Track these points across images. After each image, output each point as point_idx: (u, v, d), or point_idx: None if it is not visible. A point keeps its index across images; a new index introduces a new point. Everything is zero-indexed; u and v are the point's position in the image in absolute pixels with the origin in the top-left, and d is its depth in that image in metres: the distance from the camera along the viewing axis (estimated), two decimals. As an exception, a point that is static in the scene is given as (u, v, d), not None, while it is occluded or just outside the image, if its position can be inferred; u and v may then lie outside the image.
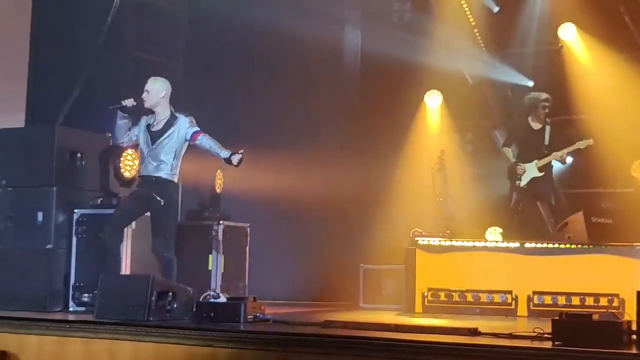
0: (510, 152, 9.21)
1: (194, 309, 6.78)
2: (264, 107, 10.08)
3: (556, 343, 5.26)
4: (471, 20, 10.24)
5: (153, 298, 6.61)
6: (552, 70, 9.99)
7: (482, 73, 10.32)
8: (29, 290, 7.39)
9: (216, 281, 8.72)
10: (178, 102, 10.35)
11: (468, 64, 10.28)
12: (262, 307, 6.83)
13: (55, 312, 6.98)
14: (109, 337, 6.15)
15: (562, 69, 9.95)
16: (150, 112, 7.34)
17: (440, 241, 8.56)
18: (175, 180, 7.34)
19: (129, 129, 7.32)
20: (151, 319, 6.51)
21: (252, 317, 6.62)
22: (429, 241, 8.56)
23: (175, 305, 6.78)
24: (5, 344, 6.30)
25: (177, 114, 7.40)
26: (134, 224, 7.70)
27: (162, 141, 7.25)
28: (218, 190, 9.39)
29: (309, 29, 9.43)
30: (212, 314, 6.60)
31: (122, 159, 8.08)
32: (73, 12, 9.24)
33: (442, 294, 8.37)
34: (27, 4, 8.73)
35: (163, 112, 7.34)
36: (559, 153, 8.92)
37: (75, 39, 9.39)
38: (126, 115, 7.28)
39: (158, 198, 7.18)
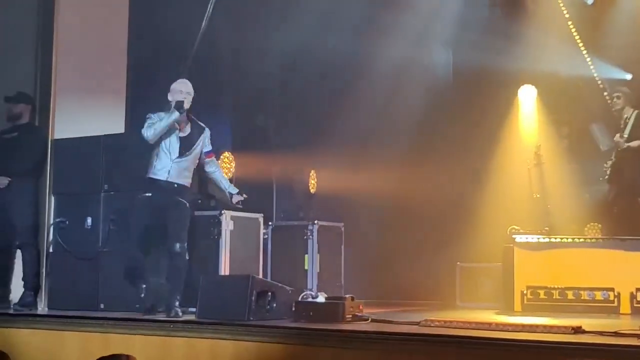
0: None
1: (293, 309, 6.82)
2: (359, 111, 10.09)
3: (665, 341, 5.13)
4: (565, 13, 10.04)
5: (253, 298, 6.69)
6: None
7: (578, 66, 10.10)
8: (132, 292, 7.55)
9: (313, 281, 8.79)
10: (272, 106, 10.55)
11: (563, 57, 10.08)
12: (360, 307, 6.85)
13: (158, 312, 7.11)
14: (211, 337, 6.24)
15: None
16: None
17: (538, 238, 8.42)
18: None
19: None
20: (251, 318, 6.59)
21: (350, 316, 6.64)
22: (526, 238, 8.43)
23: (275, 305, 6.85)
24: (110, 344, 6.45)
25: (201, 123, 7.39)
26: (232, 224, 7.81)
27: (192, 151, 7.30)
28: (312, 191, 9.48)
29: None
30: (311, 314, 6.64)
31: (220, 161, 8.22)
32: (167, 19, 9.41)
33: (542, 292, 8.23)
34: (124, 14, 8.94)
35: (184, 118, 7.30)
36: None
37: (171, 47, 9.58)
38: (180, 116, 7.21)
39: (183, 201, 7.22)
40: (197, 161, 7.39)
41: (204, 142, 7.38)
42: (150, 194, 7.23)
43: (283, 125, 10.68)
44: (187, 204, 7.28)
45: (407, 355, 5.52)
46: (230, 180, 8.33)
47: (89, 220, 7.96)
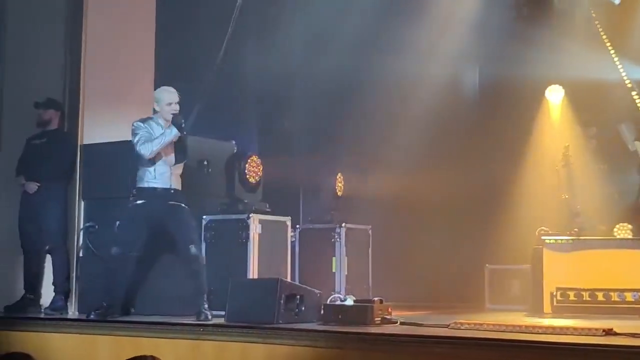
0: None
1: (322, 312, 6.83)
2: (385, 113, 10.09)
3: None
4: (592, 13, 9.97)
5: (281, 301, 6.69)
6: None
7: (605, 66, 10.03)
8: (163, 295, 7.60)
9: (340, 283, 8.79)
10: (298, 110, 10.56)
11: (590, 57, 10.01)
12: (389, 309, 6.83)
13: (188, 315, 7.15)
14: (241, 340, 6.26)
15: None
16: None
17: (567, 239, 8.37)
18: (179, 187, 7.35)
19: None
20: (280, 321, 6.60)
21: (379, 319, 6.62)
22: (555, 239, 8.38)
23: (303, 308, 6.85)
24: (140, 348, 6.48)
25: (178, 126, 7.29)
26: (260, 228, 7.84)
27: (186, 155, 7.29)
28: (339, 193, 9.47)
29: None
30: (339, 316, 6.62)
31: (247, 165, 8.24)
32: (194, 25, 9.48)
33: (571, 294, 8.18)
34: (152, 19, 9.01)
35: (166, 122, 7.29)
36: None
37: (197, 51, 9.64)
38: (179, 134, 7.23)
39: (181, 204, 7.23)
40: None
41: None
42: (143, 201, 7.23)
43: (309, 128, 10.69)
44: (185, 205, 7.28)
45: (437, 358, 5.50)
46: (258, 183, 8.38)
47: (118, 224, 7.99)
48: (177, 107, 7.25)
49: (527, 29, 9.90)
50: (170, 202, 7.22)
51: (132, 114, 7.42)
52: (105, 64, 8.40)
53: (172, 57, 9.39)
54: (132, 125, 7.23)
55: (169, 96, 7.27)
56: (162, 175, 7.21)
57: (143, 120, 7.27)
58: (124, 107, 7.40)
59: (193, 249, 7.18)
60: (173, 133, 7.17)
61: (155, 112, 7.35)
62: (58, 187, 8.02)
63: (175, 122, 7.18)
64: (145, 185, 7.25)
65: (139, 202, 7.25)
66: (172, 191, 7.24)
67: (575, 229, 8.53)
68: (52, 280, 8.00)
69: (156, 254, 7.65)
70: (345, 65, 10.19)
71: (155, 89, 7.68)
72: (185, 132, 7.25)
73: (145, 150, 7.13)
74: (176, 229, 7.24)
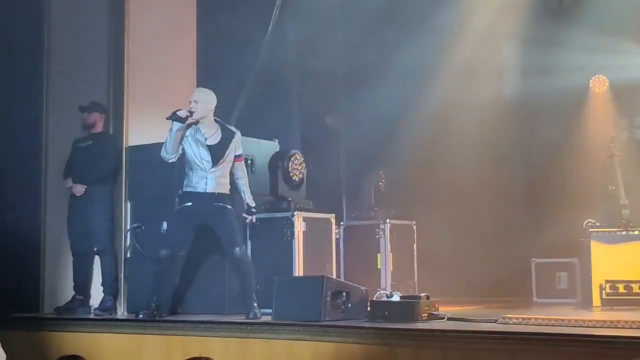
0: None
1: (369, 308, 6.82)
2: (427, 108, 10.05)
3: None
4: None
5: (328, 298, 6.70)
6: None
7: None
8: (211, 294, 7.66)
9: (386, 280, 8.78)
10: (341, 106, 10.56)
11: (634, 44, 9.86)
12: (436, 305, 6.81)
13: (236, 314, 7.19)
14: (288, 338, 6.30)
15: None
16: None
17: (615, 231, 8.26)
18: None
19: (181, 142, 7.22)
20: (327, 319, 6.61)
21: (426, 315, 6.61)
22: (603, 232, 8.27)
23: (350, 305, 6.85)
24: (189, 347, 6.54)
25: (230, 128, 7.36)
26: (304, 225, 7.86)
27: (225, 158, 7.26)
28: (382, 189, 9.46)
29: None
30: (386, 313, 6.62)
31: (290, 163, 8.27)
32: (235, 22, 9.51)
33: (621, 286, 8.05)
34: (193, 19, 9.06)
35: (212, 125, 7.28)
36: None
37: (238, 49, 9.67)
38: (182, 125, 7.17)
39: (226, 205, 7.24)
40: (231, 165, 7.37)
41: (236, 146, 7.34)
42: (190, 204, 7.25)
43: (352, 125, 10.68)
44: (229, 207, 7.31)
45: (487, 353, 5.48)
46: (301, 181, 8.40)
47: (165, 224, 8.05)
48: (195, 105, 7.20)
49: (569, 18, 9.77)
50: (215, 204, 7.24)
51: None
52: (148, 65, 8.49)
53: (213, 57, 9.43)
54: None
55: (210, 99, 7.33)
56: (201, 181, 7.23)
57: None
58: (167, 108, 7.44)
59: (237, 251, 7.22)
60: (174, 127, 7.16)
61: None
62: (104, 189, 8.12)
63: (173, 117, 7.15)
64: (188, 189, 7.30)
65: (184, 205, 7.29)
66: (216, 194, 7.26)
67: (623, 221, 8.40)
68: (100, 282, 8.09)
69: (203, 255, 7.72)
70: (388, 59, 10.16)
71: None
72: (183, 123, 7.16)
73: (162, 153, 7.25)
74: (220, 231, 7.28)
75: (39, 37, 8.70)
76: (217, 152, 7.25)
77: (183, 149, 7.26)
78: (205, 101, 7.30)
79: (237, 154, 7.37)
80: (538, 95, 9.97)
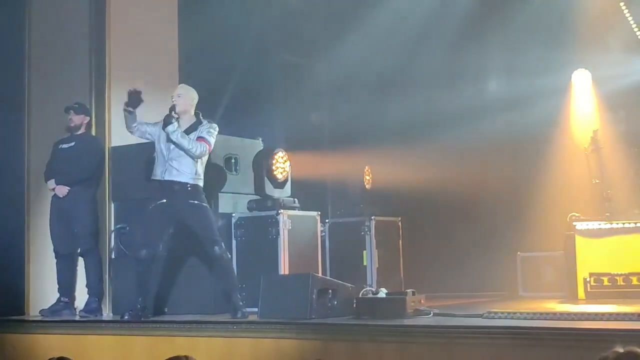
0: None
1: (355, 305, 6.82)
2: (412, 104, 10.05)
3: None
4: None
5: (314, 296, 6.71)
6: None
7: (632, 47, 9.90)
8: (196, 294, 7.64)
9: (372, 276, 8.79)
10: (318, 96, 10.56)
11: (616, 38, 9.90)
12: (422, 301, 6.83)
13: (221, 314, 7.18)
14: (275, 337, 6.29)
15: None
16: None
17: (599, 224, 8.30)
18: (201, 185, 7.26)
19: (136, 119, 7.24)
20: (313, 316, 6.61)
21: (412, 311, 6.62)
22: (587, 225, 8.31)
23: (336, 302, 6.86)
24: (176, 347, 6.52)
25: (203, 120, 7.32)
26: (289, 223, 7.85)
27: (176, 135, 7.10)
28: (367, 186, 9.46)
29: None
30: (372, 310, 6.63)
31: (274, 161, 8.25)
32: (217, 23, 9.49)
33: (605, 279, 8.11)
34: (174, 13, 9.05)
35: (189, 120, 7.28)
36: None
37: (220, 49, 9.65)
38: (133, 111, 7.23)
39: (198, 202, 7.17)
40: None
41: (200, 131, 7.23)
42: (164, 201, 7.21)
43: (337, 122, 10.69)
44: (205, 205, 7.25)
45: (472, 348, 5.49)
46: (286, 179, 8.39)
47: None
48: (177, 99, 7.24)
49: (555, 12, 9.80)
50: (190, 201, 7.17)
51: (159, 115, 7.44)
52: (130, 65, 8.46)
53: (195, 56, 9.41)
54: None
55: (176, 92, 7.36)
56: (159, 169, 7.23)
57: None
58: (149, 107, 7.42)
59: (217, 250, 7.18)
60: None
61: None
62: (88, 190, 8.07)
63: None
64: (153, 178, 7.28)
65: (158, 202, 7.24)
66: (188, 187, 7.15)
67: (607, 214, 8.44)
68: (85, 283, 8.06)
69: (185, 254, 7.69)
70: (371, 57, 10.17)
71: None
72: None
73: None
74: (198, 229, 7.23)
75: (21, 38, 8.66)
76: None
77: (153, 137, 7.27)
78: (190, 97, 7.33)
79: (199, 135, 7.21)
80: (520, 90, 9.99)
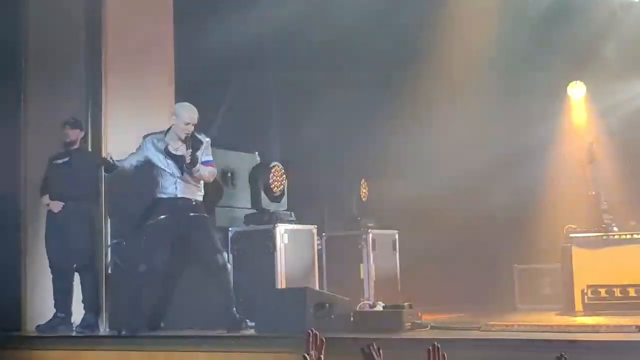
0: None
1: (352, 319, 6.81)
2: (406, 116, 10.08)
3: None
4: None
5: (311, 310, 6.70)
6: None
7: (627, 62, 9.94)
8: (193, 308, 7.61)
9: (369, 289, 8.78)
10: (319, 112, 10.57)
11: (611, 48, 9.93)
12: (419, 314, 6.82)
13: (219, 327, 7.15)
14: (272, 351, 6.26)
15: None
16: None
17: (596, 236, 8.30)
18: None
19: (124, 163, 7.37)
20: (310, 330, 6.57)
21: (410, 324, 6.61)
22: (584, 237, 8.31)
23: (333, 316, 6.84)
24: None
25: (200, 137, 7.30)
26: (286, 237, 7.85)
27: (198, 166, 7.20)
28: (364, 199, 9.46)
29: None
30: (370, 323, 6.62)
31: (271, 175, 8.25)
32: (212, 34, 9.50)
33: (603, 291, 8.11)
34: (170, 28, 9.06)
35: (179, 137, 7.27)
36: None
37: (216, 62, 9.66)
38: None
39: (202, 214, 7.24)
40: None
41: (203, 152, 7.28)
42: (165, 216, 7.22)
43: (331, 136, 10.70)
44: (207, 215, 7.32)
45: (470, 361, 5.48)
46: (282, 193, 8.38)
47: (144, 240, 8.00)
48: (191, 129, 7.22)
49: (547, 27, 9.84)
50: (192, 214, 7.20)
51: (153, 125, 7.46)
52: (126, 80, 8.46)
53: (192, 71, 9.41)
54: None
55: (189, 115, 7.24)
56: (170, 187, 7.27)
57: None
58: (145, 122, 7.42)
59: (220, 258, 7.19)
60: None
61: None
62: (83, 205, 8.04)
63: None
64: (160, 196, 7.30)
65: (160, 217, 7.25)
66: (192, 203, 7.23)
67: (604, 226, 8.45)
68: (82, 299, 8.03)
69: (183, 268, 7.65)
70: (367, 74, 10.19)
71: (175, 101, 7.71)
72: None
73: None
74: (200, 240, 7.24)
75: (17, 54, 8.65)
76: (179, 159, 7.21)
77: (148, 158, 7.29)
78: (177, 115, 7.28)
79: (204, 159, 7.29)
80: (516, 101, 10.02)
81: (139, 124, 7.68)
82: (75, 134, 8.14)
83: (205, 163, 7.27)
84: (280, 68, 10.28)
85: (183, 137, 7.19)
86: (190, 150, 7.13)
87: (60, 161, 8.13)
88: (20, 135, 8.56)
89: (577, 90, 10.09)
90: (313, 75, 10.54)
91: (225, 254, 7.30)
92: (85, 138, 8.28)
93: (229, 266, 7.37)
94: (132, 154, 7.41)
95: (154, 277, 7.32)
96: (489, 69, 9.99)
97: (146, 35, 8.76)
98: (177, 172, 7.21)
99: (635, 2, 9.84)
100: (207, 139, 7.38)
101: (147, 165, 7.43)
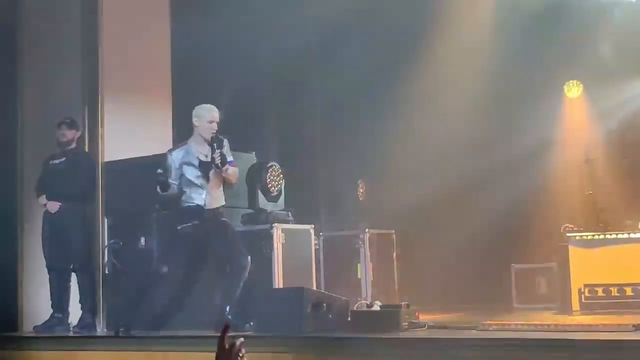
0: None
1: (349, 319, 6.81)
2: (405, 116, 10.09)
3: None
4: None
5: (308, 310, 6.69)
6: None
7: (623, 60, 9.95)
8: (190, 309, 7.60)
9: (366, 289, 8.79)
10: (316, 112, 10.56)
11: (608, 49, 9.94)
12: (416, 313, 6.82)
13: (217, 328, 7.14)
14: (270, 350, 6.25)
15: None
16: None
17: (593, 235, 8.31)
18: None
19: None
20: (308, 330, 6.59)
21: (407, 323, 6.60)
22: (581, 236, 8.32)
23: (331, 316, 6.84)
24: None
25: (220, 137, 7.25)
26: (283, 237, 7.85)
27: (227, 165, 7.18)
28: (361, 199, 9.48)
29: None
30: (367, 323, 6.62)
31: (268, 175, 8.25)
32: (208, 35, 9.49)
33: (600, 290, 8.11)
34: (166, 28, 9.05)
35: (205, 142, 7.26)
36: None
37: (213, 63, 9.66)
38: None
39: (224, 219, 7.26)
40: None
41: (227, 153, 7.27)
42: (193, 223, 7.19)
43: (330, 135, 10.70)
44: (227, 220, 7.33)
45: (467, 361, 5.49)
46: (279, 193, 8.38)
47: (143, 240, 8.03)
48: (216, 128, 7.21)
49: (545, 26, 9.84)
50: (216, 221, 7.20)
51: (152, 129, 7.45)
52: (123, 79, 8.46)
53: (189, 70, 9.42)
54: None
55: (211, 114, 7.24)
56: (198, 197, 7.22)
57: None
58: (142, 122, 7.42)
59: (249, 259, 7.15)
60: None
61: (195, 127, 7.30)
62: (80, 205, 8.05)
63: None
64: (185, 205, 7.22)
65: (186, 224, 7.20)
66: (218, 210, 7.24)
67: (601, 225, 8.45)
68: (78, 299, 8.03)
69: (191, 271, 7.64)
70: (363, 75, 10.19)
71: (172, 106, 7.69)
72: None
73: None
74: (225, 244, 7.20)
75: (12, 52, 8.65)
76: (208, 166, 7.19)
77: (180, 172, 7.20)
78: (199, 116, 7.27)
79: (231, 160, 7.27)
80: (513, 101, 10.03)
81: (136, 123, 7.66)
82: (71, 134, 8.14)
83: (231, 163, 7.27)
84: (277, 67, 10.28)
85: (209, 137, 7.17)
86: (218, 150, 7.11)
87: (56, 161, 8.14)
88: (16, 135, 8.56)
89: (573, 90, 10.10)
90: (310, 75, 10.56)
91: (249, 257, 7.27)
92: (81, 138, 8.29)
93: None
94: (162, 174, 7.12)
95: (171, 279, 7.30)
96: (486, 69, 9.99)
97: (143, 34, 8.77)
98: (205, 184, 7.19)
99: (632, 2, 9.84)
100: (226, 139, 7.36)
101: (146, 165, 7.41)
